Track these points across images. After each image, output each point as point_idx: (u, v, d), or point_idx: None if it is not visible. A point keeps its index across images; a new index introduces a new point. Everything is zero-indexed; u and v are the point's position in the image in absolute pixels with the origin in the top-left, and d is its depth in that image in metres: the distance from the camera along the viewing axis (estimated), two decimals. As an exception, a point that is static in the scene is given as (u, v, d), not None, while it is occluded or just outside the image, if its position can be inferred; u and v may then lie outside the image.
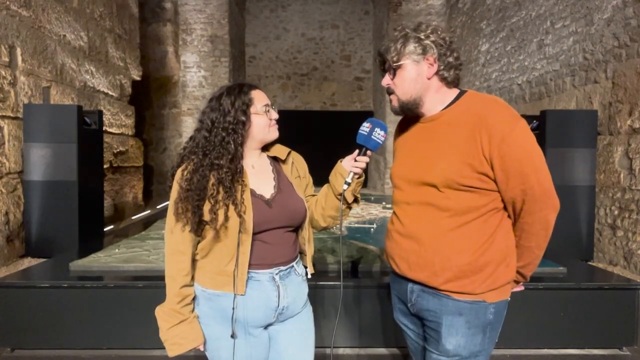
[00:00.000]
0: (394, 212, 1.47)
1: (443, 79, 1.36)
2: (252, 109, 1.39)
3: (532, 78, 6.06)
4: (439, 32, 1.34)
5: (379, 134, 1.40)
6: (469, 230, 1.30)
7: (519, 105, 6.38)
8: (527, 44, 6.18)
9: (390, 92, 1.41)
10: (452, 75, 1.36)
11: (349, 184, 1.40)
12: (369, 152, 1.41)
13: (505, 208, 1.34)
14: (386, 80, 1.40)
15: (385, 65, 1.40)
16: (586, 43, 4.77)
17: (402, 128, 1.52)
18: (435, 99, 1.37)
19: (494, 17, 7.31)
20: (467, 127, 1.29)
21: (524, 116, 1.34)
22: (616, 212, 4.18)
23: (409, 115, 1.43)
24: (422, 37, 1.32)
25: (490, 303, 1.32)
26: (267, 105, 1.42)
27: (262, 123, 1.41)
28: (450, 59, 1.34)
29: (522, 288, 1.49)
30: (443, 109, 1.37)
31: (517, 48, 6.51)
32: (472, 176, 1.27)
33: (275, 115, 1.45)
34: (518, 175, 1.25)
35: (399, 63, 1.34)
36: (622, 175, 4.13)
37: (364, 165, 1.41)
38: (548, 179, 1.29)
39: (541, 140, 3.95)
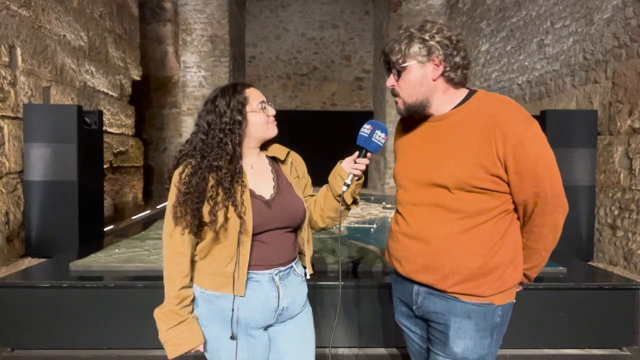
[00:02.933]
0: (399, 213, 1.44)
1: (449, 80, 1.31)
2: (248, 108, 1.38)
3: (532, 78, 6.06)
4: (445, 32, 1.29)
5: (379, 136, 1.38)
6: (480, 233, 1.28)
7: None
8: (527, 44, 6.18)
9: (395, 93, 1.37)
10: (460, 75, 1.31)
11: (348, 186, 1.39)
12: (369, 154, 1.40)
13: (515, 210, 1.32)
14: (390, 82, 1.36)
15: (390, 65, 1.36)
16: (586, 43, 4.77)
17: (405, 127, 1.48)
18: (443, 100, 1.33)
19: (494, 17, 7.31)
20: (479, 127, 1.25)
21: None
22: (616, 212, 4.18)
23: (416, 118, 1.39)
24: (427, 37, 1.28)
25: (498, 305, 1.31)
26: (262, 102, 1.40)
27: (260, 121, 1.40)
28: (457, 59, 1.29)
29: (521, 288, 1.48)
30: (452, 109, 1.33)
31: (517, 48, 6.51)
32: (485, 178, 1.24)
33: (272, 111, 1.43)
34: (532, 177, 1.23)
35: (404, 65, 1.30)
36: (622, 175, 4.13)
37: (363, 167, 1.39)
38: (559, 181, 1.27)
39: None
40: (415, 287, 1.39)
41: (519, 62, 6.44)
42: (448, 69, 1.30)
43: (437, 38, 1.28)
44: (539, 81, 5.87)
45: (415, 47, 1.29)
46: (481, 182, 1.25)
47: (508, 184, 1.26)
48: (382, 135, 1.38)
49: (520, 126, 1.22)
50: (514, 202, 1.30)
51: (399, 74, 1.33)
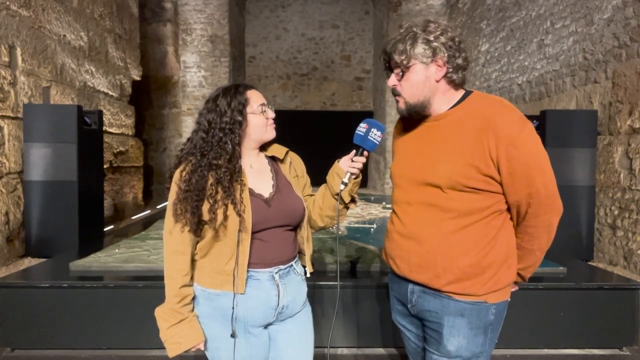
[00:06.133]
0: (394, 212, 1.45)
1: (451, 81, 1.32)
2: (248, 109, 1.39)
3: (532, 78, 6.06)
4: (449, 33, 1.29)
5: (375, 134, 1.39)
6: (472, 232, 1.29)
7: (519, 105, 6.38)
8: (527, 44, 6.18)
9: (396, 93, 1.37)
10: (460, 77, 1.32)
11: (345, 184, 1.40)
12: (365, 153, 1.41)
13: (508, 210, 1.33)
14: (392, 81, 1.36)
15: (391, 64, 1.35)
16: (586, 43, 4.77)
17: (403, 126, 1.49)
18: (442, 100, 1.34)
19: (494, 17, 7.31)
20: (473, 128, 1.26)
21: (524, 116, 1.33)
22: (616, 212, 4.18)
23: (416, 118, 1.40)
24: (432, 38, 1.27)
25: (492, 304, 1.32)
26: (263, 104, 1.42)
27: (259, 123, 1.41)
28: (459, 61, 1.30)
29: (517, 287, 1.49)
30: (448, 110, 1.34)
31: (517, 48, 6.51)
32: (477, 178, 1.25)
33: (271, 114, 1.45)
34: (524, 178, 1.24)
35: (408, 65, 1.30)
36: (622, 175, 4.13)
37: (360, 165, 1.40)
38: (553, 182, 1.28)
39: (541, 140, 3.95)
40: (410, 285, 1.40)
41: (519, 62, 6.44)
42: (451, 70, 1.30)
43: (442, 39, 1.28)
44: (539, 81, 5.87)
45: (420, 48, 1.28)
46: (473, 182, 1.26)
47: (501, 185, 1.27)
48: (379, 133, 1.39)
49: (513, 127, 1.23)
50: (507, 202, 1.31)
51: (402, 74, 1.33)
